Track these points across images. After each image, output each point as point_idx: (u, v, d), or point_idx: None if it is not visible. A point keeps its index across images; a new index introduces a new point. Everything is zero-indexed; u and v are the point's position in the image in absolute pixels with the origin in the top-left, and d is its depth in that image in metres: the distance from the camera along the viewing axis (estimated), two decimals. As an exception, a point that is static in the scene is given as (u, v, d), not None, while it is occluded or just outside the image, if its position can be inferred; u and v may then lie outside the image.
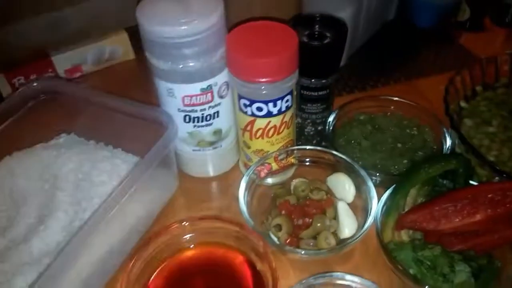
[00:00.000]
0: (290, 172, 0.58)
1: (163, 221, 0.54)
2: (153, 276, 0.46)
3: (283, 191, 0.55)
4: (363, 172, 0.51)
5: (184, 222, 0.48)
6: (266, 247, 0.45)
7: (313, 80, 0.55)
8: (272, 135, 0.53)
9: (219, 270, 0.48)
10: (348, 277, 0.44)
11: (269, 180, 0.57)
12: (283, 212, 0.52)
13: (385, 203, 0.48)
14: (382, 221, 0.47)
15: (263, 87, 0.48)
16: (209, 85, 0.50)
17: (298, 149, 0.56)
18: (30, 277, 0.43)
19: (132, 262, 0.44)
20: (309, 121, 0.60)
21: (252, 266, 0.47)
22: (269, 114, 0.51)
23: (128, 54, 0.80)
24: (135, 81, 0.73)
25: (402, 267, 0.43)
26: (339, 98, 0.67)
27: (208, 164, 0.59)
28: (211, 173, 0.60)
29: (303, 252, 0.47)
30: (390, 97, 0.62)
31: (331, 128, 0.58)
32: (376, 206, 0.48)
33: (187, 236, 0.49)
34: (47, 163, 0.56)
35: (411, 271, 0.44)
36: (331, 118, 0.59)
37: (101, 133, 0.60)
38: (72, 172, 0.54)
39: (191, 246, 0.49)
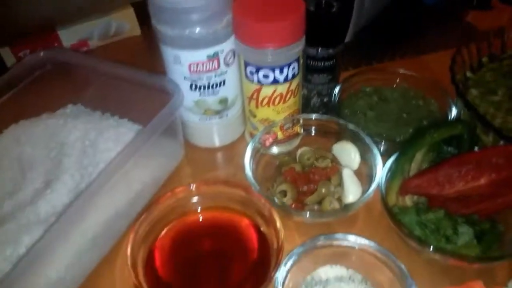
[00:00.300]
0: (296, 142, 0.59)
1: (169, 189, 0.54)
2: (159, 237, 0.47)
3: (288, 159, 0.55)
4: (368, 139, 0.51)
5: (191, 186, 0.48)
6: (271, 209, 0.45)
7: (319, 50, 0.55)
8: (278, 103, 0.53)
9: (225, 233, 0.48)
10: (351, 237, 0.44)
11: (274, 150, 0.57)
12: (288, 179, 0.52)
13: (390, 168, 0.49)
14: (386, 186, 0.48)
15: (269, 53, 0.48)
16: (215, 52, 0.50)
17: (304, 117, 0.56)
18: (37, 236, 0.43)
19: (139, 222, 0.45)
20: (315, 92, 0.60)
21: (257, 229, 0.47)
22: (275, 82, 0.51)
23: (134, 29, 0.80)
24: (141, 56, 0.73)
25: (407, 229, 0.43)
26: (346, 72, 0.67)
27: (214, 133, 0.59)
28: (217, 143, 0.60)
29: (307, 214, 0.47)
30: (396, 69, 0.62)
31: (336, 99, 0.58)
32: (380, 171, 0.48)
33: (194, 199, 0.49)
34: (54, 132, 0.56)
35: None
36: (337, 90, 0.59)
37: (107, 103, 0.60)
38: (78, 140, 0.55)
39: (198, 210, 0.49)
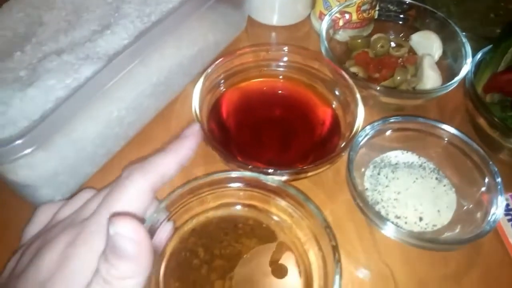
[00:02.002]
0: (369, 29, 0.54)
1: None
2: (228, 90, 0.44)
3: (360, 43, 0.51)
4: (458, 30, 0.47)
5: (268, 47, 0.45)
6: (348, 79, 0.42)
7: None
8: (360, -23, 0.48)
9: (294, 103, 0.45)
10: (429, 122, 0.41)
11: (343, 34, 0.53)
12: (359, 63, 0.49)
13: (478, 61, 0.45)
14: (473, 79, 0.44)
15: None
16: None
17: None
18: (98, 67, 0.40)
19: (213, 67, 0.42)
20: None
21: (329, 103, 0.44)
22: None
23: None
24: None
25: (498, 118, 0.40)
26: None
27: (277, 10, 0.55)
28: (280, 20, 0.56)
29: (378, 88, 0.43)
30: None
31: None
32: (469, 64, 0.44)
33: (269, 64, 0.46)
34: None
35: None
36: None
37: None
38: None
39: (271, 75, 0.46)
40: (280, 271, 0.33)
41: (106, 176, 0.41)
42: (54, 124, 0.34)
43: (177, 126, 0.46)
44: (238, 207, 0.37)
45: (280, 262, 0.34)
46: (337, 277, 0.29)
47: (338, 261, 0.30)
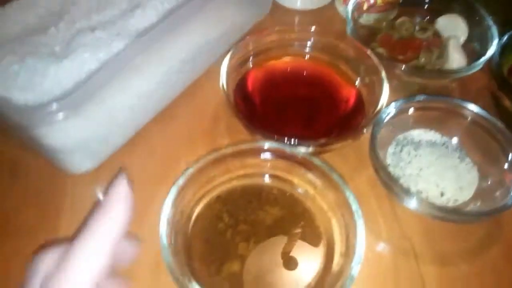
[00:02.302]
0: (392, 13, 0.54)
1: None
2: (255, 68, 0.45)
3: (385, 26, 0.52)
4: (484, 12, 0.47)
5: (298, 28, 0.46)
6: (373, 57, 0.42)
7: None
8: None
9: (319, 82, 0.46)
10: (453, 101, 0.41)
11: (368, 18, 0.53)
12: (383, 46, 0.49)
13: (504, 44, 0.45)
14: (498, 62, 0.44)
15: None
16: None
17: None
18: (128, 43, 0.42)
19: (241, 44, 0.43)
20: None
21: (352, 82, 0.45)
22: None
23: None
24: None
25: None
26: None
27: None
28: (304, 4, 0.57)
29: (404, 66, 0.44)
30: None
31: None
32: (494, 45, 0.44)
33: (294, 43, 0.46)
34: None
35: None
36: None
37: None
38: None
39: (297, 54, 0.47)
40: (303, 238, 0.34)
41: (134, 146, 0.43)
42: (86, 93, 0.35)
43: (201, 103, 0.47)
44: (263, 177, 0.38)
45: (303, 229, 0.35)
46: (359, 242, 0.30)
47: (359, 226, 0.30)
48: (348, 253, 0.31)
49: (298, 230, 0.35)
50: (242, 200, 0.36)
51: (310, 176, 0.36)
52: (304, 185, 0.37)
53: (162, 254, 0.29)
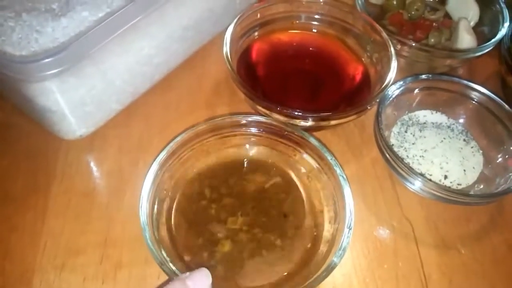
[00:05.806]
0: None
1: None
2: (259, 38, 0.44)
3: (396, 4, 0.50)
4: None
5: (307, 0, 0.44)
6: (383, 33, 0.41)
7: None
8: None
9: (325, 57, 0.44)
10: (461, 81, 0.40)
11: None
12: (393, 24, 0.48)
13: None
14: (509, 44, 0.43)
15: None
16: None
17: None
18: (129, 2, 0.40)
19: (248, 12, 0.42)
20: None
21: (359, 58, 0.43)
22: None
23: None
24: None
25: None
26: None
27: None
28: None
29: (413, 44, 0.42)
30: None
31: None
32: (505, 28, 0.43)
33: (300, 16, 0.45)
34: None
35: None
36: None
37: None
38: None
39: (303, 28, 0.45)
40: (290, 205, 0.34)
41: (131, 115, 0.42)
42: (82, 50, 0.34)
43: (202, 76, 0.45)
44: (243, 149, 0.37)
45: (287, 195, 0.34)
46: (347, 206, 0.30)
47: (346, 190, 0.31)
48: (338, 219, 0.31)
49: (283, 195, 0.34)
50: (223, 173, 0.35)
51: (292, 144, 0.36)
52: (286, 151, 0.36)
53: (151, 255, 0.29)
